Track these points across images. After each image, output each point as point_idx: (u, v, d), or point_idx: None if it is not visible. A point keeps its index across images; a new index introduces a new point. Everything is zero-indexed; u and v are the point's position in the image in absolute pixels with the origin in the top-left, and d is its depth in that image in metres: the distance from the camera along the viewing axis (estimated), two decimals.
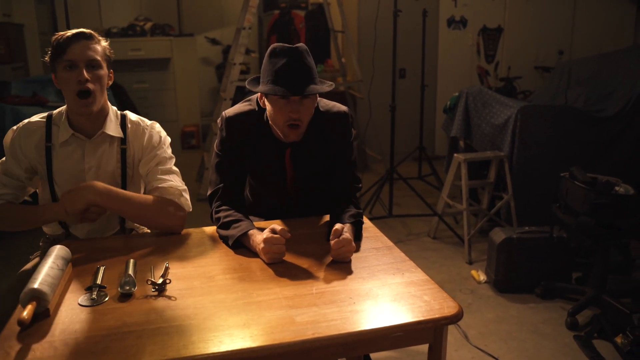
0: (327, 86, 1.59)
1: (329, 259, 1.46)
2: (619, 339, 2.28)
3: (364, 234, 1.65)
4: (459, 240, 3.37)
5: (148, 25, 5.54)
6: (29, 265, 1.72)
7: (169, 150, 1.74)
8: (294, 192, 1.80)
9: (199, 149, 6.14)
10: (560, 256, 2.75)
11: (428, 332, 1.21)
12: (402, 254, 1.52)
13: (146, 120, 1.75)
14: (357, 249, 1.54)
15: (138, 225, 1.81)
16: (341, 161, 1.76)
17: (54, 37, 1.57)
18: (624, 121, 3.34)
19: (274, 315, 1.17)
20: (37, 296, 1.15)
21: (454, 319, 1.20)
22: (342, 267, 1.42)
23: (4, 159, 1.68)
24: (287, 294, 1.27)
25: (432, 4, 5.14)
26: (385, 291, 1.29)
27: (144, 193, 1.71)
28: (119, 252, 1.51)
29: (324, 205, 1.79)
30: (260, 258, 1.46)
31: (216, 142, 1.73)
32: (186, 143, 6.01)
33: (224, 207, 1.64)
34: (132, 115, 1.73)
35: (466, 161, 3.17)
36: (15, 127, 1.67)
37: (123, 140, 1.68)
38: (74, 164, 1.65)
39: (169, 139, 1.76)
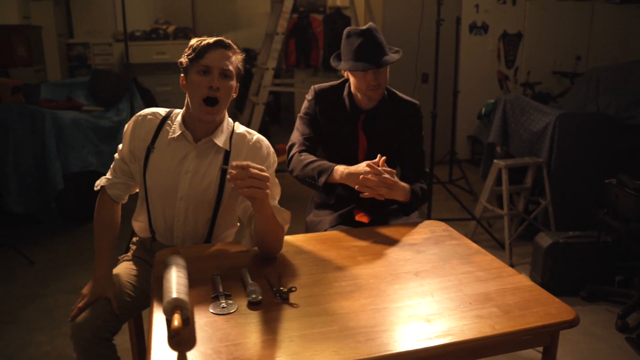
0: (397, 54, 1.95)
1: (430, 266, 1.52)
2: None
3: (451, 240, 1.71)
4: (496, 244, 3.44)
5: (171, 28, 5.56)
6: (119, 268, 1.76)
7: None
8: (362, 158, 1.97)
9: None
10: (605, 260, 2.83)
11: (546, 336, 1.28)
12: (497, 259, 1.59)
13: (253, 132, 1.73)
14: (407, 214, 1.91)
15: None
16: (411, 147, 2.02)
17: (193, 41, 1.59)
18: None
19: (405, 321, 1.23)
20: (180, 305, 1.20)
21: (573, 323, 1.27)
22: (445, 273, 1.48)
23: (118, 154, 1.75)
24: (407, 301, 1.32)
25: (455, 10, 5.21)
26: (498, 296, 1.35)
27: (241, 203, 1.66)
28: (220, 261, 1.55)
29: None
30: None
31: (302, 108, 2.07)
32: None
33: (304, 154, 1.95)
34: (242, 128, 1.73)
35: (507, 167, 3.24)
36: (137, 115, 1.72)
37: (227, 157, 1.66)
38: (173, 163, 1.66)
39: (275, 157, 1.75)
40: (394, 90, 2.06)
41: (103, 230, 1.70)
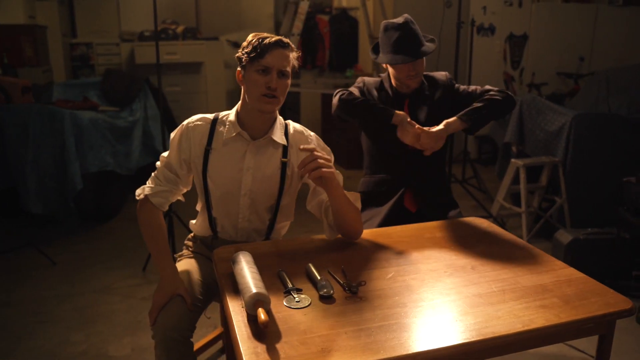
0: (433, 43, 2.07)
1: (483, 259, 1.58)
2: None
3: (497, 236, 1.77)
4: None
5: (180, 28, 5.58)
6: (181, 266, 1.79)
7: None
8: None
9: None
10: (622, 256, 2.91)
11: (604, 324, 1.34)
12: (545, 253, 1.65)
13: (307, 130, 1.81)
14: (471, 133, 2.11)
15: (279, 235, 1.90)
16: (464, 102, 2.11)
17: (253, 39, 1.63)
18: None
19: (475, 311, 1.28)
20: (261, 299, 1.24)
21: (631, 311, 1.33)
22: (498, 266, 1.53)
23: (167, 153, 1.78)
24: (472, 292, 1.38)
25: (464, 12, 5.29)
26: (554, 287, 1.41)
27: (313, 199, 1.75)
28: (280, 258, 1.60)
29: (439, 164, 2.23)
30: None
31: (353, 87, 2.18)
32: None
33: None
34: (295, 124, 1.80)
35: (525, 166, 3.31)
36: (183, 124, 1.76)
37: (285, 151, 1.74)
38: (233, 162, 1.71)
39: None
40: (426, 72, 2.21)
41: (155, 234, 1.71)
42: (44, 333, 2.51)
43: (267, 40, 1.61)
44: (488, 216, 3.62)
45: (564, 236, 2.92)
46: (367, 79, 2.22)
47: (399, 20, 2.03)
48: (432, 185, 2.15)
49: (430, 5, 5.35)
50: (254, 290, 1.26)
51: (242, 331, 1.21)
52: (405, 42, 1.99)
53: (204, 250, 1.88)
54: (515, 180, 3.43)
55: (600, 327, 1.34)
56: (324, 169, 1.50)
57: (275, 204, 1.78)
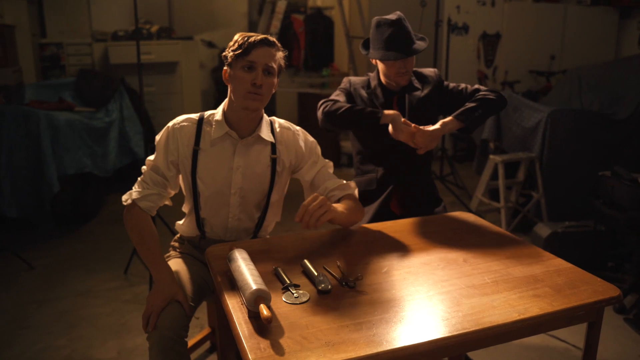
0: (424, 42, 2.06)
1: (474, 252, 1.61)
2: None
3: (485, 229, 1.81)
4: None
5: (154, 28, 5.51)
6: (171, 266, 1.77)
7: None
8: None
9: None
10: (598, 248, 3.00)
11: (594, 311, 1.38)
12: (532, 244, 1.70)
13: (292, 125, 1.83)
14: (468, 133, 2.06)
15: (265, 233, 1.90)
16: (453, 100, 2.12)
17: (239, 37, 1.63)
18: (634, 125, 3.65)
19: (472, 302, 1.31)
20: (262, 296, 1.24)
21: (619, 299, 1.38)
22: (489, 258, 1.57)
23: (153, 156, 1.75)
24: (466, 284, 1.41)
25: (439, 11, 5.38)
26: (545, 277, 1.45)
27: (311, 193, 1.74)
28: (272, 255, 1.60)
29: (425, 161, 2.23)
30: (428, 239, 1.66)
31: (337, 90, 2.17)
32: None
33: (338, 103, 2.04)
34: (280, 120, 1.81)
35: (503, 162, 3.38)
36: (169, 125, 1.74)
37: (274, 148, 1.75)
38: (222, 162, 1.71)
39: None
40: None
41: (147, 240, 1.67)
42: (25, 339, 2.46)
43: (253, 38, 1.62)
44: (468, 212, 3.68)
45: (543, 230, 3.00)
46: (353, 78, 2.21)
47: (392, 16, 2.02)
48: (420, 182, 2.17)
49: (406, 5, 5.41)
50: (254, 286, 1.26)
51: (244, 328, 1.21)
52: (397, 39, 1.99)
53: (192, 251, 1.87)
54: (494, 176, 3.50)
55: (590, 314, 1.38)
56: (325, 215, 1.55)
57: (265, 201, 1.79)
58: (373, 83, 2.15)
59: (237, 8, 7.63)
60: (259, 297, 1.24)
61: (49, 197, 3.49)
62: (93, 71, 4.94)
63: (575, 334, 2.48)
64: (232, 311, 1.28)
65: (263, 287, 1.27)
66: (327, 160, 1.85)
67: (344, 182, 1.81)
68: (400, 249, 1.65)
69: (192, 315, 1.64)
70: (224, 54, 1.67)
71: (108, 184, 4.41)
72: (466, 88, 2.15)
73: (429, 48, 4.47)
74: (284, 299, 1.33)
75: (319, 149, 1.84)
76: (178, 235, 1.94)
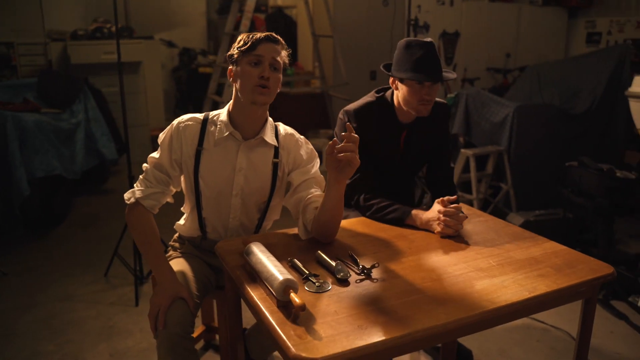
0: (452, 74, 1.93)
1: (474, 238, 1.70)
2: (632, 298, 2.74)
3: (478, 217, 1.91)
4: None
5: (114, 27, 5.38)
6: (173, 266, 1.78)
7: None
8: (400, 171, 2.08)
9: None
10: (568, 234, 3.19)
11: (590, 288, 1.50)
12: (525, 230, 1.81)
13: (296, 132, 1.83)
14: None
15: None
16: (443, 148, 2.10)
17: (243, 35, 1.66)
18: (591, 118, 3.88)
19: (484, 283, 1.39)
20: (290, 285, 1.28)
21: (613, 275, 1.50)
22: (490, 243, 1.66)
23: (156, 154, 1.75)
24: (474, 267, 1.49)
25: (400, 10, 5.52)
26: (544, 259, 1.56)
27: (292, 196, 1.75)
28: (288, 247, 1.64)
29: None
30: (429, 231, 1.75)
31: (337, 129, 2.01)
32: (153, 147, 5.91)
33: (369, 196, 1.89)
34: (285, 126, 1.82)
35: (474, 155, 3.53)
36: (173, 124, 1.73)
37: (276, 152, 1.76)
38: (225, 162, 1.72)
39: None
40: None
41: (150, 239, 1.68)
42: (10, 346, 2.39)
43: (258, 35, 1.66)
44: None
45: (516, 219, 3.15)
46: (349, 107, 1.98)
47: (425, 39, 1.88)
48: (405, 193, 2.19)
49: (370, 4, 5.53)
50: (282, 277, 1.29)
51: (275, 317, 1.24)
52: (429, 62, 1.84)
53: (193, 250, 1.88)
54: (465, 169, 3.65)
55: (588, 291, 1.50)
56: (353, 154, 1.45)
57: (265, 204, 1.81)
58: (380, 111, 1.99)
59: (194, 7, 7.56)
60: (288, 286, 1.28)
61: (19, 201, 3.37)
62: (55, 71, 4.79)
63: (553, 316, 2.64)
64: (259, 302, 1.31)
65: (290, 276, 1.31)
66: (321, 176, 1.80)
67: None
68: (404, 238, 1.72)
69: (196, 312, 1.66)
70: (228, 53, 1.69)
71: (76, 186, 4.30)
72: (449, 149, 2.15)
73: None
74: (306, 289, 1.37)
75: (317, 163, 1.81)
76: (177, 235, 1.94)
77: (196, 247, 1.87)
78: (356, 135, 1.46)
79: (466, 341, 2.39)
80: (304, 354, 1.10)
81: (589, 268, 1.51)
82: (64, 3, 6.28)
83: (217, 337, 2.43)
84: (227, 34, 4.58)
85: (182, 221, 1.91)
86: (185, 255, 1.85)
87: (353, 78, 5.11)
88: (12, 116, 3.39)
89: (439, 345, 2.28)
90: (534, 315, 2.62)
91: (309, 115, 5.60)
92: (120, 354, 2.35)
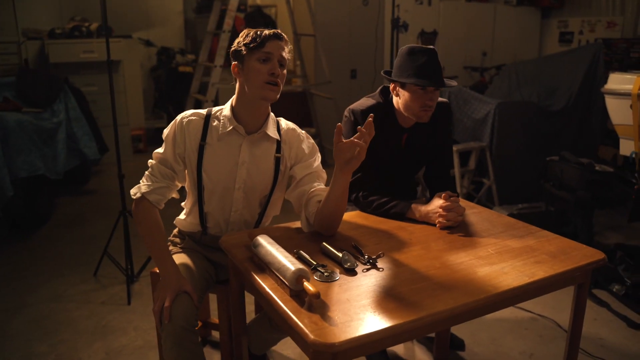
0: (453, 82, 1.95)
1: (470, 229, 1.77)
2: (613, 287, 2.85)
3: (472, 209, 1.98)
4: None
5: (94, 26, 5.32)
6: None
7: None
8: (402, 173, 2.12)
9: (147, 152, 6.04)
10: (550, 226, 3.28)
11: (583, 273, 1.57)
12: (518, 220, 1.88)
13: (299, 128, 1.86)
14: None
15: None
16: (444, 147, 2.13)
17: (250, 32, 1.67)
18: (568, 115, 4.02)
19: (485, 270, 1.45)
20: (302, 275, 1.31)
21: (605, 261, 1.57)
22: (486, 234, 1.72)
23: (161, 149, 1.77)
24: (474, 255, 1.55)
25: (380, 10, 5.59)
26: (539, 246, 1.62)
27: (295, 189, 1.80)
28: (292, 240, 1.68)
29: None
30: (427, 223, 1.81)
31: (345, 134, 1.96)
32: (133, 147, 5.86)
33: (368, 193, 1.93)
34: (286, 121, 1.85)
35: (457, 151, 3.61)
36: (177, 119, 1.76)
37: (278, 146, 1.79)
38: (228, 157, 1.74)
39: None
40: None
41: (154, 233, 1.71)
42: (3, 348, 2.36)
43: (266, 32, 1.68)
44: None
45: (500, 212, 3.23)
46: (356, 107, 2.01)
47: (427, 46, 1.92)
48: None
49: (349, 3, 5.59)
50: (294, 267, 1.33)
51: (290, 306, 1.27)
52: (431, 68, 1.86)
53: (193, 245, 1.90)
54: None
55: (581, 275, 1.57)
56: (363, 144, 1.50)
57: (267, 197, 1.84)
58: (384, 113, 2.01)
59: (171, 6, 7.50)
60: (300, 276, 1.31)
61: (2, 202, 3.32)
62: (34, 70, 4.70)
63: (538, 305, 2.73)
64: (271, 292, 1.35)
65: (302, 266, 1.34)
66: (323, 170, 1.85)
67: None
68: (404, 229, 1.78)
69: (200, 307, 1.68)
70: (233, 49, 1.71)
71: (57, 187, 4.24)
72: (451, 149, 2.20)
73: (380, 47, 4.64)
74: (316, 279, 1.40)
75: (319, 157, 1.85)
76: (176, 230, 1.96)
77: (196, 243, 1.89)
78: (373, 132, 1.51)
79: (458, 331, 2.46)
80: (321, 339, 1.14)
81: (582, 254, 1.58)
82: (38, 2, 6.16)
83: (213, 332, 2.45)
84: (209, 32, 4.58)
85: (182, 216, 1.93)
86: (185, 250, 1.87)
87: (334, 77, 5.15)
88: None
89: (432, 335, 2.35)
90: (521, 305, 2.71)
91: (291, 113, 5.54)
92: (116, 352, 2.34)
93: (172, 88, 6.48)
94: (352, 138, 1.51)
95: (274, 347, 2.27)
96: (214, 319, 2.33)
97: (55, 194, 4.18)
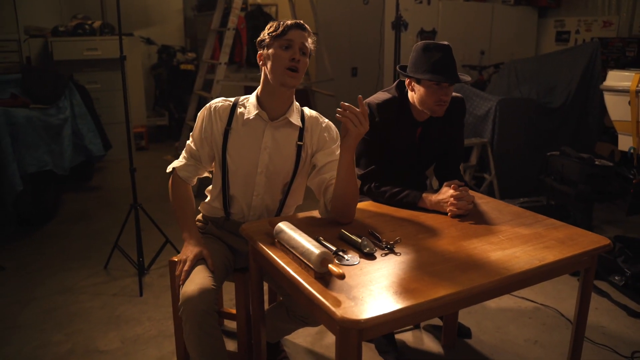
0: (467, 77, 2.02)
1: (478, 217, 1.84)
2: (613, 278, 2.93)
3: (479, 199, 2.05)
4: None
5: (97, 23, 5.35)
6: None
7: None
8: (415, 167, 2.17)
9: (149, 150, 6.08)
10: None
11: (590, 258, 1.64)
12: (524, 209, 1.95)
13: (323, 116, 1.93)
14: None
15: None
16: (457, 141, 2.18)
17: (273, 22, 1.77)
18: (567, 112, 4.10)
19: (497, 254, 1.52)
20: (327, 258, 1.37)
21: (610, 246, 1.65)
22: (495, 221, 1.79)
23: (190, 140, 1.91)
24: (486, 241, 1.62)
25: (379, 8, 5.66)
26: (547, 233, 1.69)
27: (316, 176, 1.85)
28: (311, 227, 1.72)
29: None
30: (438, 212, 1.87)
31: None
32: (136, 144, 5.90)
33: (379, 184, 2.00)
34: (311, 110, 1.92)
35: None
36: (208, 105, 1.86)
37: (300, 134, 1.85)
38: (251, 141, 1.83)
39: None
40: None
41: (183, 205, 1.88)
42: (18, 338, 2.40)
43: (288, 22, 1.77)
44: None
45: None
46: (372, 101, 2.04)
47: (442, 42, 1.96)
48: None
49: (350, 2, 5.65)
50: (318, 250, 1.39)
51: (316, 287, 1.33)
52: (446, 64, 1.90)
53: (215, 231, 1.97)
54: None
55: (588, 260, 1.64)
56: (356, 124, 1.61)
57: (288, 184, 1.91)
58: (400, 108, 2.05)
59: (171, 5, 7.54)
60: (325, 259, 1.37)
61: (12, 197, 3.36)
62: (39, 68, 4.74)
63: (541, 295, 2.81)
64: (296, 275, 1.41)
65: (326, 249, 1.40)
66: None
67: None
68: (416, 218, 1.84)
69: (219, 290, 1.77)
70: (259, 39, 1.79)
71: (62, 183, 4.28)
72: (463, 142, 2.22)
73: (381, 46, 4.67)
74: (337, 262, 1.47)
75: (338, 140, 1.90)
76: (200, 215, 2.04)
77: (219, 228, 1.95)
78: (366, 109, 1.62)
79: (464, 320, 2.52)
80: (348, 316, 1.20)
81: (589, 240, 1.65)
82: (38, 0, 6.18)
83: (225, 322, 2.50)
84: (213, 30, 4.62)
85: (207, 201, 2.01)
86: (206, 236, 1.93)
87: (335, 74, 5.21)
88: (2, 111, 3.37)
89: (440, 323, 2.42)
90: (524, 295, 2.79)
91: None
92: (131, 341, 2.39)
93: (173, 86, 6.52)
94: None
95: (286, 336, 2.33)
96: (227, 308, 2.38)
97: (61, 190, 4.21)
